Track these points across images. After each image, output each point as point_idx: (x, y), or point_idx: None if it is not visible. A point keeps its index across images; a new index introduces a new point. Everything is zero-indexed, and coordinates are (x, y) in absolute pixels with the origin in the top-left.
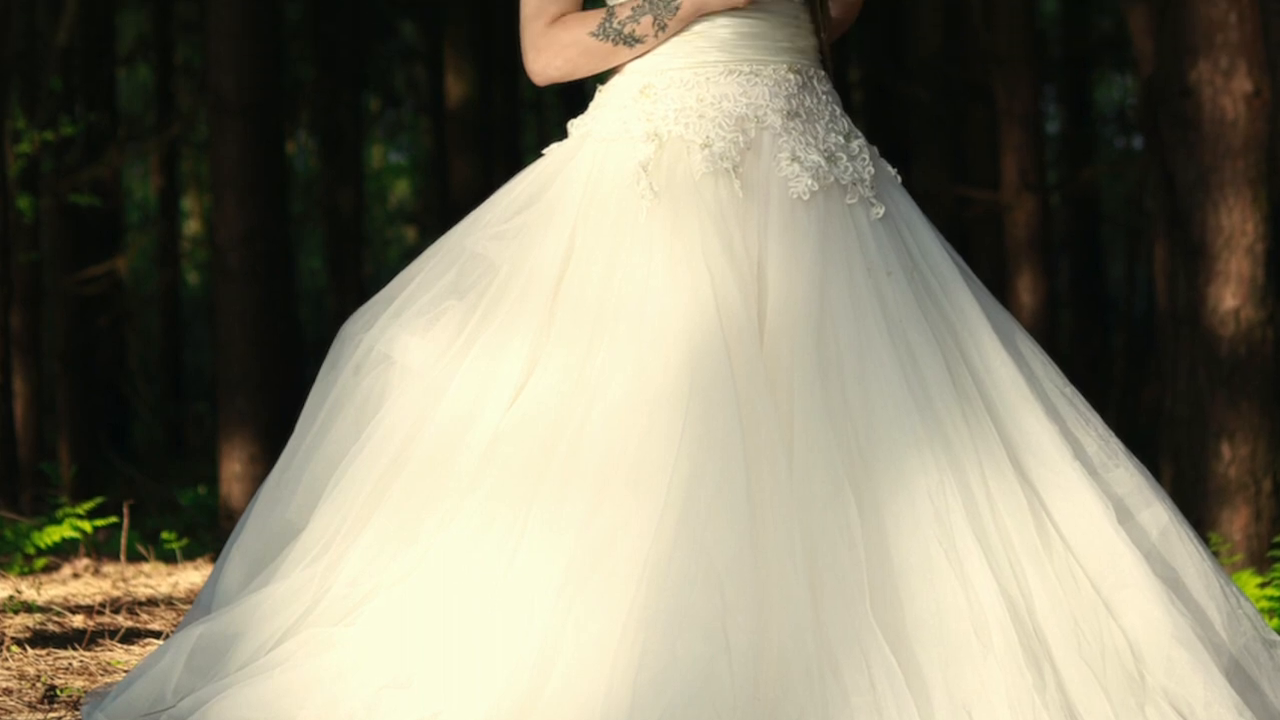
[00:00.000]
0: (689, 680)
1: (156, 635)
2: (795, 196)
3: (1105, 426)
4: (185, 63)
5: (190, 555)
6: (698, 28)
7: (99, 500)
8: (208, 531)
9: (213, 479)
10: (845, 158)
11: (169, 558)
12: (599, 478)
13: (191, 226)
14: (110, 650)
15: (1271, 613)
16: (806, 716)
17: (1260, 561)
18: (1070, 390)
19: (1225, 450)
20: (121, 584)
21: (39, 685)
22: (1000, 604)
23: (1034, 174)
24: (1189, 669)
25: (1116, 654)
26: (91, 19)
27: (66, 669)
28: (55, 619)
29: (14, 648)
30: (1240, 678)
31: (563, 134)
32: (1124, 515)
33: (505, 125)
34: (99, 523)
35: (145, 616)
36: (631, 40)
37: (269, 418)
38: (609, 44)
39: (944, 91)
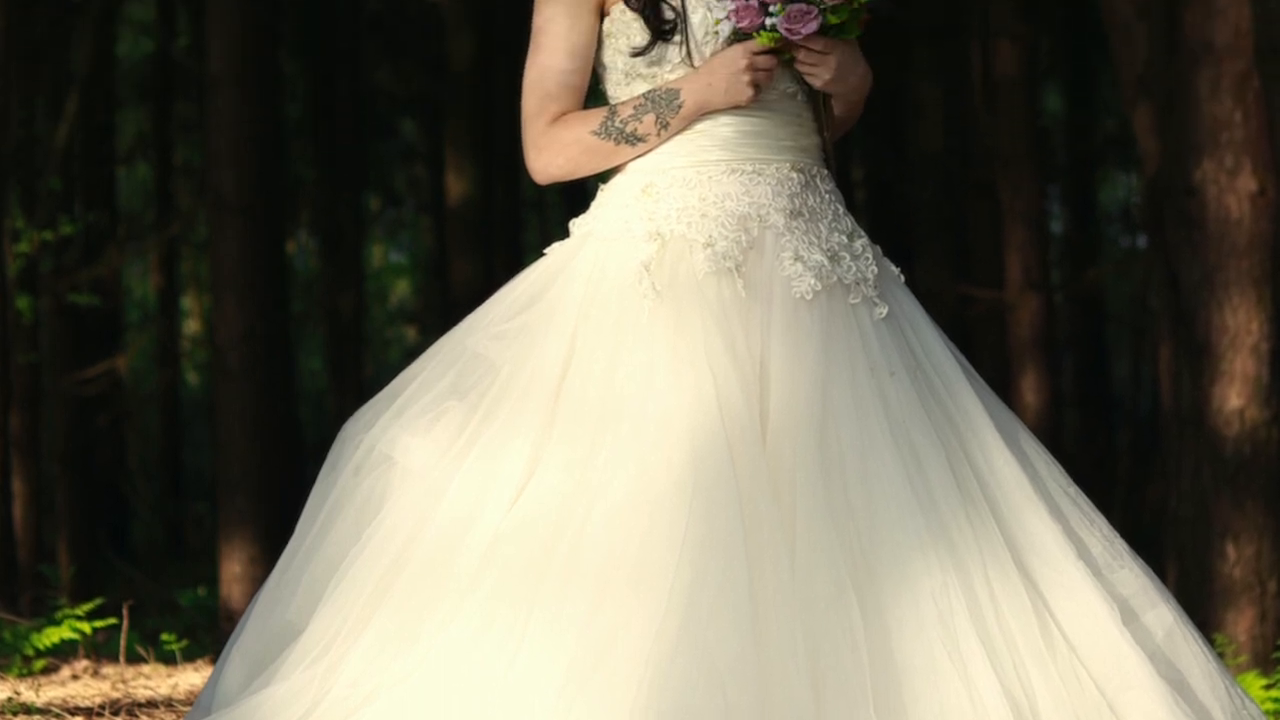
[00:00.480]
0: None
1: None
2: (798, 296)
3: (1110, 527)
4: (185, 162)
5: (190, 656)
6: (700, 126)
7: (98, 601)
8: (208, 633)
9: (213, 579)
10: (848, 257)
11: (169, 659)
12: (600, 577)
13: (191, 326)
14: None
15: (1276, 715)
16: None
17: (1265, 663)
18: (1074, 490)
19: (1230, 550)
20: (121, 685)
21: None
22: (1004, 706)
23: (1038, 273)
24: None
25: None
26: (91, 118)
27: None
28: None
29: None
30: None
31: (564, 233)
32: (1129, 616)
33: (507, 224)
34: (98, 624)
35: (145, 718)
36: (634, 139)
37: (269, 518)
38: (611, 143)
39: (947, 190)
